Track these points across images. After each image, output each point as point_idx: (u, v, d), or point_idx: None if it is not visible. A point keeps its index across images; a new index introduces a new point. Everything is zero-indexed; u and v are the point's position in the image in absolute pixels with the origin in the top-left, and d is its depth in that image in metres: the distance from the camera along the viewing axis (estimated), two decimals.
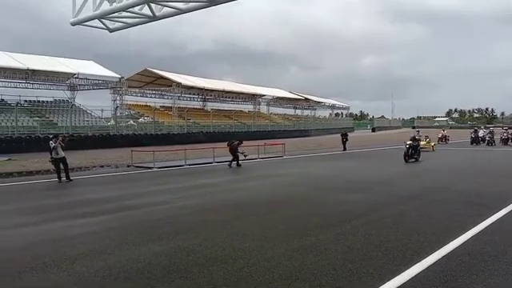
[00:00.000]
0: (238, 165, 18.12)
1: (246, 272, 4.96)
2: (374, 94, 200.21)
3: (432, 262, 5.20)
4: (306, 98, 76.09)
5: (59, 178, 13.76)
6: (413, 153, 19.61)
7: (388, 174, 15.09)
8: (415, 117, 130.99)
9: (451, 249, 5.77)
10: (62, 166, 13.94)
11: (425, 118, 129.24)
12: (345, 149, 27.89)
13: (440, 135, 36.98)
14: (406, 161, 19.08)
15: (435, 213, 8.31)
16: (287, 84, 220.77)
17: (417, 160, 19.60)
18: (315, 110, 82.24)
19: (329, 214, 8.39)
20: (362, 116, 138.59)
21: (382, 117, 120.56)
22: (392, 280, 4.62)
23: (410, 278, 4.71)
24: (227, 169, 17.54)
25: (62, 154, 13.90)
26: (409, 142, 19.65)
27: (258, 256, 5.54)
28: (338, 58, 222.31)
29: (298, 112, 78.70)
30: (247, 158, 19.31)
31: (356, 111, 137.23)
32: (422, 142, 23.43)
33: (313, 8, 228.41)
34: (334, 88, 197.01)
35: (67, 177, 13.89)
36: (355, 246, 5.94)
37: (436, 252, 5.59)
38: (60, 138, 14.32)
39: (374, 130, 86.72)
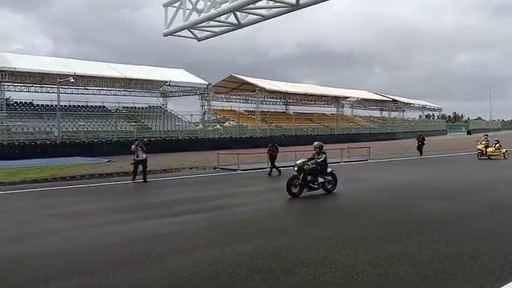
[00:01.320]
0: (279, 172, 16.48)
1: (329, 277, 4.91)
2: (468, 94, 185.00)
3: None
4: (394, 100, 72.79)
5: (134, 178, 14.78)
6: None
7: (476, 181, 13.90)
8: None
9: None
10: (141, 168, 14.94)
11: None
12: (421, 153, 25.84)
13: None
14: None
15: None
16: (372, 85, 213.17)
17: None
18: (403, 111, 78.35)
19: (417, 221, 7.96)
20: (456, 118, 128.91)
21: (479, 118, 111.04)
22: None
23: None
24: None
25: (142, 156, 14.92)
26: (479, 147, 21.12)
27: (342, 262, 5.45)
28: (428, 57, 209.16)
29: (385, 114, 75.62)
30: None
31: (449, 112, 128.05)
32: (489, 149, 22.13)
33: (399, 6, 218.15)
34: (424, 88, 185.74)
35: (144, 178, 14.74)
36: (445, 256, 5.57)
37: None
38: (136, 143, 15.42)
39: (469, 132, 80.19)
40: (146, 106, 47.38)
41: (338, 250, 5.98)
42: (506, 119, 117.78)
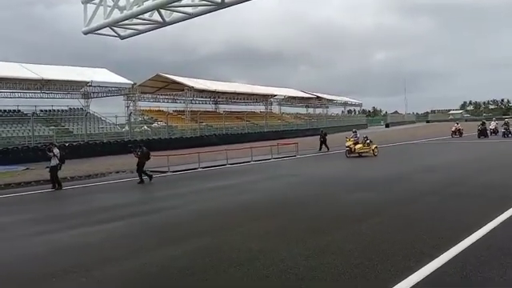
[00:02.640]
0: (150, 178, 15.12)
1: (262, 273, 4.98)
2: (387, 90, 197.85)
3: (450, 258, 5.15)
4: (318, 97, 75.76)
5: (54, 186, 13.97)
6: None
7: (398, 172, 14.96)
8: (429, 111, 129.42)
9: (469, 243, 5.70)
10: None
11: (439, 111, 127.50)
12: (320, 149, 25.80)
13: (453, 129, 36.07)
14: None
15: (451, 208, 8.23)
16: (299, 83, 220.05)
17: None
18: (327, 108, 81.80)
19: (343, 213, 8.36)
20: (375, 112, 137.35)
21: (396, 112, 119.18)
22: (410, 276, 4.59)
23: (428, 273, 4.67)
24: (239, 171, 17.55)
25: (52, 162, 14.11)
26: (348, 144, 21.28)
27: (275, 257, 5.56)
28: (350, 55, 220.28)
29: (310, 111, 78.39)
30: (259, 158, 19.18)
31: (369, 107, 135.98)
32: (357, 146, 21.04)
33: (323, 6, 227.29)
34: (347, 85, 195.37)
35: (53, 185, 13.99)
36: (371, 244, 5.91)
37: (454, 247, 5.53)
38: (48, 147, 14.65)
39: (387, 125, 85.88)
40: (67, 108, 44.69)
41: (271, 246, 6.09)
42: (419, 112, 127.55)
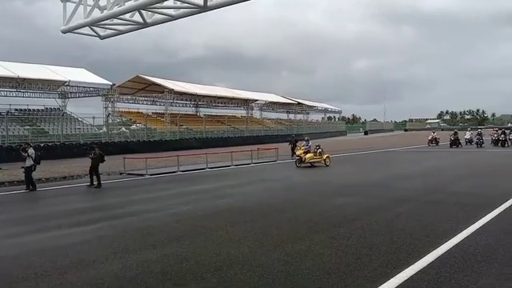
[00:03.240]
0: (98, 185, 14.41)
1: (240, 278, 4.93)
2: (366, 98, 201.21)
3: (426, 264, 5.22)
4: (299, 103, 76.32)
5: (28, 187, 13.70)
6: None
7: (377, 178, 15.15)
8: (407, 119, 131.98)
9: (444, 250, 5.79)
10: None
11: (416, 120, 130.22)
12: (293, 155, 24.09)
13: (430, 137, 36.65)
14: None
15: (428, 215, 8.36)
16: (280, 88, 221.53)
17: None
18: (308, 114, 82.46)
19: (323, 218, 8.39)
20: (355, 119, 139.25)
21: (375, 120, 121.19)
22: (386, 282, 4.63)
23: (404, 280, 4.72)
24: (219, 175, 17.46)
25: (27, 163, 13.80)
26: (298, 153, 20.18)
27: (253, 262, 5.52)
28: (332, 62, 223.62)
29: (291, 116, 78.86)
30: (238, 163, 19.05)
31: (349, 115, 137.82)
32: (308, 155, 19.78)
33: (305, 12, 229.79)
34: (328, 92, 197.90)
35: (27, 186, 13.74)
36: (349, 250, 5.94)
37: (429, 254, 5.61)
38: (22, 147, 14.32)
39: (366, 133, 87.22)
40: (43, 107, 43.70)
41: (249, 251, 6.06)
42: (398, 120, 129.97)
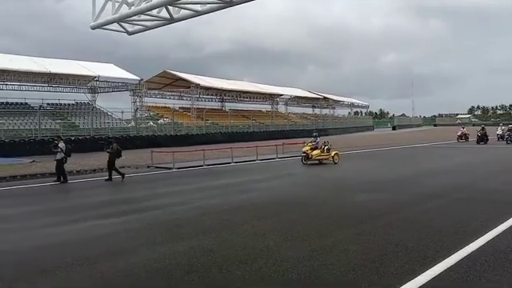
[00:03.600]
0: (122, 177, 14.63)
1: (264, 272, 4.96)
2: (394, 92, 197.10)
3: (454, 262, 5.10)
4: (325, 97, 75.50)
5: (58, 179, 14.16)
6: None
7: (405, 174, 14.87)
8: (436, 114, 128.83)
9: (474, 248, 5.65)
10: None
11: (446, 115, 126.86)
12: None
13: (459, 133, 35.29)
14: None
15: (457, 211, 8.16)
16: (306, 83, 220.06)
17: None
18: (334, 108, 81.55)
19: (348, 213, 8.33)
20: (382, 114, 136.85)
21: (403, 115, 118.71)
22: (413, 280, 4.55)
23: (431, 277, 4.63)
24: (244, 169, 17.54)
25: (57, 156, 14.26)
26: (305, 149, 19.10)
27: (277, 256, 5.54)
28: (358, 56, 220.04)
29: (317, 111, 78.20)
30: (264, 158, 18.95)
31: (376, 109, 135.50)
32: (314, 152, 18.84)
33: (331, 6, 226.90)
34: (354, 86, 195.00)
35: (58, 178, 14.19)
36: (375, 246, 5.88)
37: (458, 251, 5.48)
38: (55, 142, 14.77)
39: (394, 128, 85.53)
40: (73, 102, 44.89)
41: (274, 245, 6.07)
42: (427, 115, 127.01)
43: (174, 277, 4.87)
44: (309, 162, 18.71)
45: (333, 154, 19.15)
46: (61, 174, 14.19)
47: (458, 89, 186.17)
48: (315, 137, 19.76)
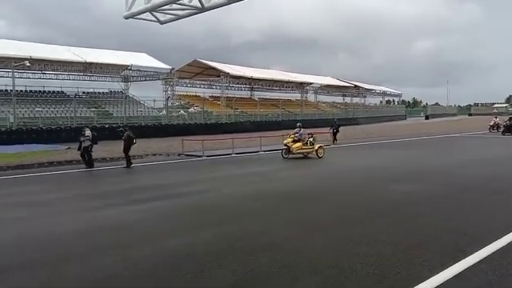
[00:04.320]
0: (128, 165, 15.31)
1: (291, 259, 5.00)
2: (427, 81, 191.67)
3: (486, 255, 4.98)
4: (356, 85, 74.28)
5: (87, 165, 14.80)
6: None
7: (436, 165, 14.51)
8: (472, 103, 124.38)
9: (508, 242, 5.49)
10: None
11: (482, 104, 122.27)
12: (334, 140, 24.03)
13: (492, 123, 33.65)
14: None
15: (491, 205, 7.93)
16: (335, 72, 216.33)
17: None
18: (365, 97, 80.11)
19: (379, 203, 8.23)
20: (415, 103, 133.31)
21: (437, 104, 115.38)
22: (443, 271, 4.47)
23: (463, 269, 4.53)
24: (272, 158, 17.53)
25: (85, 143, 14.85)
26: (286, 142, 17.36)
27: (304, 244, 5.57)
28: (389, 44, 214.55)
29: (347, 100, 77.07)
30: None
31: (409, 98, 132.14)
32: (296, 144, 17.04)
33: None
34: (385, 75, 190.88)
35: (88, 165, 14.83)
36: (406, 237, 5.79)
37: (491, 245, 5.33)
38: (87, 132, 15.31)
39: (427, 117, 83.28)
40: (107, 91, 46.06)
41: (300, 234, 6.10)
42: (462, 104, 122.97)
43: (202, 262, 4.98)
44: (290, 156, 17.07)
45: (317, 148, 17.46)
46: (87, 160, 14.71)
47: (495, 77, 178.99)
48: (299, 127, 17.87)
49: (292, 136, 17.48)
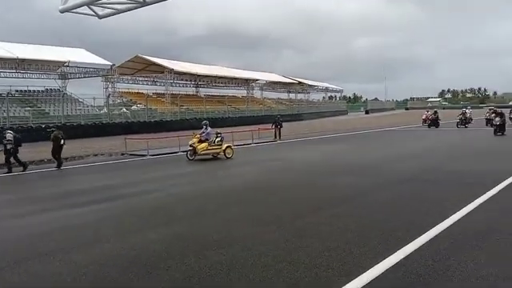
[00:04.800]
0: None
1: (241, 256, 5.01)
2: (368, 77, 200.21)
3: (425, 241, 5.28)
4: (300, 82, 75.78)
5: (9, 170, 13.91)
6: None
7: (374, 158, 15.20)
8: (408, 98, 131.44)
9: (444, 227, 5.85)
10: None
11: (418, 99, 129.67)
12: (276, 137, 24.31)
13: (424, 116, 34.32)
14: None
15: (427, 193, 8.42)
16: (281, 68, 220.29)
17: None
18: (309, 93, 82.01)
19: (323, 196, 8.46)
20: (356, 98, 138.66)
21: (376, 99, 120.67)
22: (385, 260, 4.69)
23: (403, 257, 4.78)
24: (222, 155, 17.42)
25: (8, 146, 14.03)
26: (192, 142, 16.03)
27: (253, 240, 5.60)
28: (333, 41, 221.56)
29: (292, 96, 78.46)
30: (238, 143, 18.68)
31: (350, 94, 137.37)
32: (201, 145, 15.85)
33: None
34: (329, 71, 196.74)
35: (8, 169, 13.95)
36: (349, 228, 6.01)
37: (429, 231, 5.67)
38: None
39: (367, 112, 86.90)
40: (43, 89, 43.53)
41: (250, 230, 6.13)
42: (399, 99, 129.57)
43: (150, 264, 4.85)
44: (197, 158, 15.84)
45: (224, 148, 16.35)
46: (19, 163, 13.93)
47: (430, 73, 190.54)
48: (205, 126, 16.49)
49: (198, 136, 16.23)
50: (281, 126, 24.86)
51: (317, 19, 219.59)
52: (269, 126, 26.29)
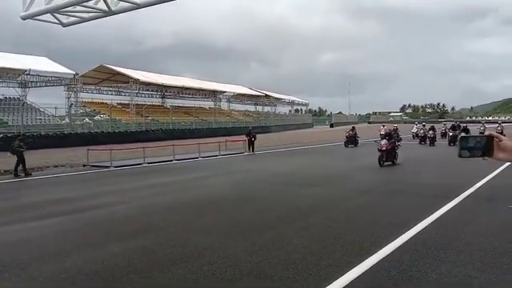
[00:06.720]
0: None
1: (206, 269, 4.95)
2: (332, 91, 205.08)
3: (389, 253, 5.40)
4: (267, 95, 76.46)
5: None
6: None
7: (341, 170, 15.49)
8: (371, 112, 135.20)
9: (406, 239, 6.01)
10: None
11: (380, 113, 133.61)
12: (250, 149, 23.76)
13: (383, 131, 26.90)
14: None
15: (389, 206, 8.64)
16: (248, 80, 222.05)
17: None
18: (275, 106, 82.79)
19: (289, 208, 8.51)
20: (321, 112, 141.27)
21: (340, 113, 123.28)
22: (350, 271, 4.76)
23: (367, 268, 4.87)
24: (187, 167, 17.31)
25: None
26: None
27: (220, 253, 5.54)
28: (299, 55, 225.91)
29: (259, 108, 78.98)
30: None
31: (315, 107, 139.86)
32: None
33: (273, 4, 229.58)
34: (295, 84, 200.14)
35: None
36: (315, 239, 6.07)
37: (392, 243, 5.80)
38: None
39: (332, 125, 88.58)
40: (1, 97, 41.80)
41: (217, 242, 6.07)
42: (362, 113, 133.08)
43: (112, 278, 4.71)
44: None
45: None
46: None
47: (392, 88, 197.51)
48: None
49: None
50: (254, 138, 24.56)
51: (282, 33, 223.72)
52: (237, 138, 26.04)
